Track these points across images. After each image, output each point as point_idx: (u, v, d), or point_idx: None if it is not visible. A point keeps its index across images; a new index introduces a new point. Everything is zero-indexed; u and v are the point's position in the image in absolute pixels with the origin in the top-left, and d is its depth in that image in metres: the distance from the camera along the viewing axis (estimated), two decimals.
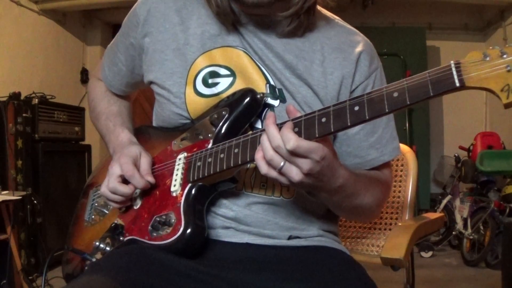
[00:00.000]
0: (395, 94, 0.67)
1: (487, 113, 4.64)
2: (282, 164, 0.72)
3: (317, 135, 0.72)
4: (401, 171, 1.29)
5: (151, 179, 0.90)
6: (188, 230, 0.82)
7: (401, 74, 4.16)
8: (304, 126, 0.73)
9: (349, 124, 0.70)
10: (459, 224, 3.72)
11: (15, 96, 2.83)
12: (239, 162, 0.79)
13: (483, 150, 3.75)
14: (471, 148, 4.00)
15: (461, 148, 4.14)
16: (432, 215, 1.28)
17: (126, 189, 0.90)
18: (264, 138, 0.73)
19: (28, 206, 2.81)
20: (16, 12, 3.60)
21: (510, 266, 2.36)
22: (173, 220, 0.84)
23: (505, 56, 0.61)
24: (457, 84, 0.63)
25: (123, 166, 0.90)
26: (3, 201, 2.34)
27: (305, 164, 0.71)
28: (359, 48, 0.94)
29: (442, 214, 1.34)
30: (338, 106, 0.71)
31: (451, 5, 4.45)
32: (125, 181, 0.91)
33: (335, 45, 0.94)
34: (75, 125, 3.42)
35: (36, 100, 3.05)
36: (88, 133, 3.53)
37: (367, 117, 0.69)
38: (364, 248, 1.28)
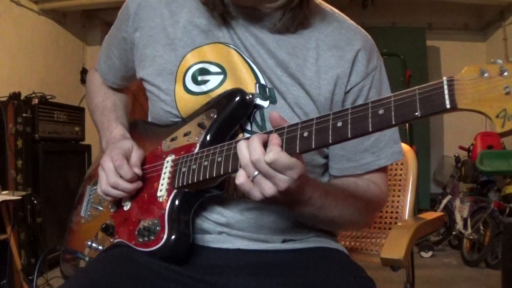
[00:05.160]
0: (381, 112, 0.61)
1: None
2: (256, 173, 0.68)
3: (297, 151, 0.68)
4: (401, 170, 1.29)
5: (138, 171, 0.88)
6: (171, 239, 0.81)
7: (401, 74, 4.16)
8: (285, 140, 0.69)
9: (330, 142, 0.66)
10: (459, 224, 3.72)
11: (15, 96, 2.83)
12: (221, 173, 0.77)
13: (483, 150, 3.75)
14: (471, 148, 4.00)
15: (461, 148, 4.14)
16: (432, 215, 1.27)
17: (127, 185, 0.88)
18: (243, 146, 0.70)
19: (28, 206, 2.81)
20: (16, 12, 3.60)
21: (510, 266, 2.35)
22: (157, 228, 0.83)
23: (505, 73, 0.53)
24: (448, 106, 0.56)
25: (113, 157, 0.88)
26: (3, 201, 2.33)
27: (283, 181, 0.68)
28: (357, 46, 0.88)
29: (442, 213, 1.34)
30: (320, 120, 0.67)
31: (451, 5, 4.45)
32: None
33: (331, 42, 0.88)
34: (75, 125, 3.41)
35: (36, 100, 3.04)
36: (88, 133, 3.52)
37: (349, 136, 0.64)
38: (364, 248, 1.28)
